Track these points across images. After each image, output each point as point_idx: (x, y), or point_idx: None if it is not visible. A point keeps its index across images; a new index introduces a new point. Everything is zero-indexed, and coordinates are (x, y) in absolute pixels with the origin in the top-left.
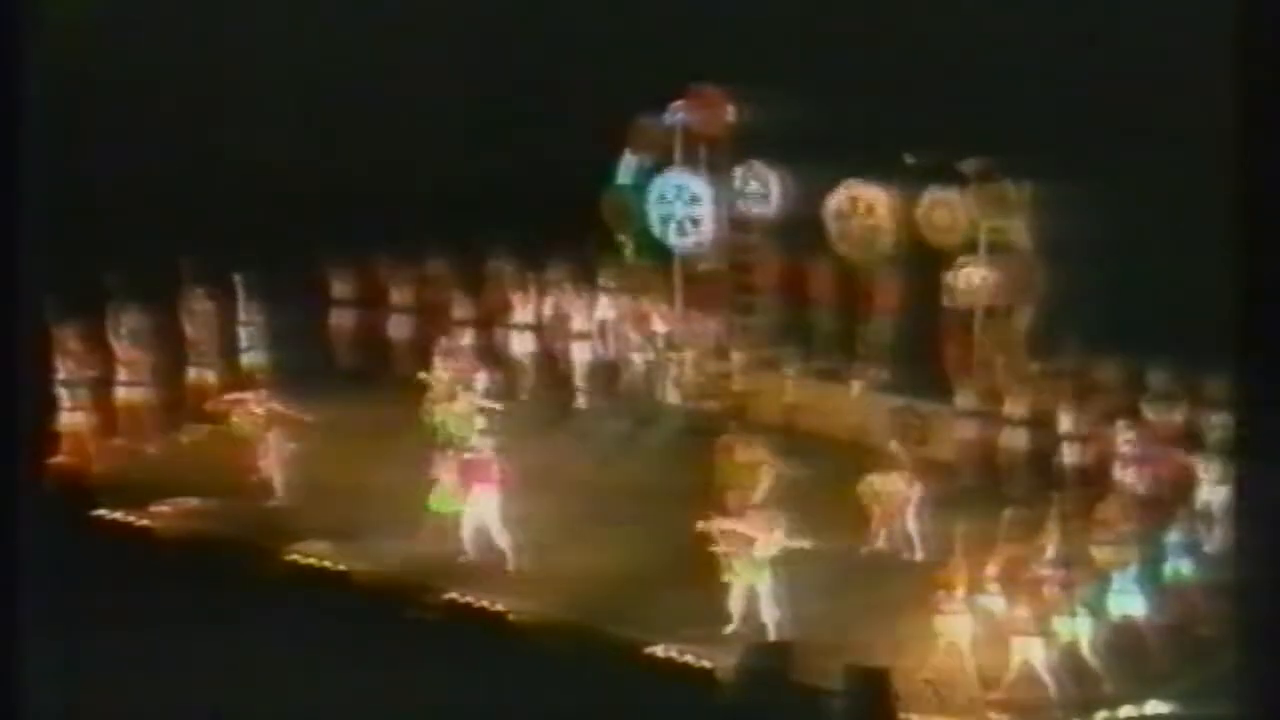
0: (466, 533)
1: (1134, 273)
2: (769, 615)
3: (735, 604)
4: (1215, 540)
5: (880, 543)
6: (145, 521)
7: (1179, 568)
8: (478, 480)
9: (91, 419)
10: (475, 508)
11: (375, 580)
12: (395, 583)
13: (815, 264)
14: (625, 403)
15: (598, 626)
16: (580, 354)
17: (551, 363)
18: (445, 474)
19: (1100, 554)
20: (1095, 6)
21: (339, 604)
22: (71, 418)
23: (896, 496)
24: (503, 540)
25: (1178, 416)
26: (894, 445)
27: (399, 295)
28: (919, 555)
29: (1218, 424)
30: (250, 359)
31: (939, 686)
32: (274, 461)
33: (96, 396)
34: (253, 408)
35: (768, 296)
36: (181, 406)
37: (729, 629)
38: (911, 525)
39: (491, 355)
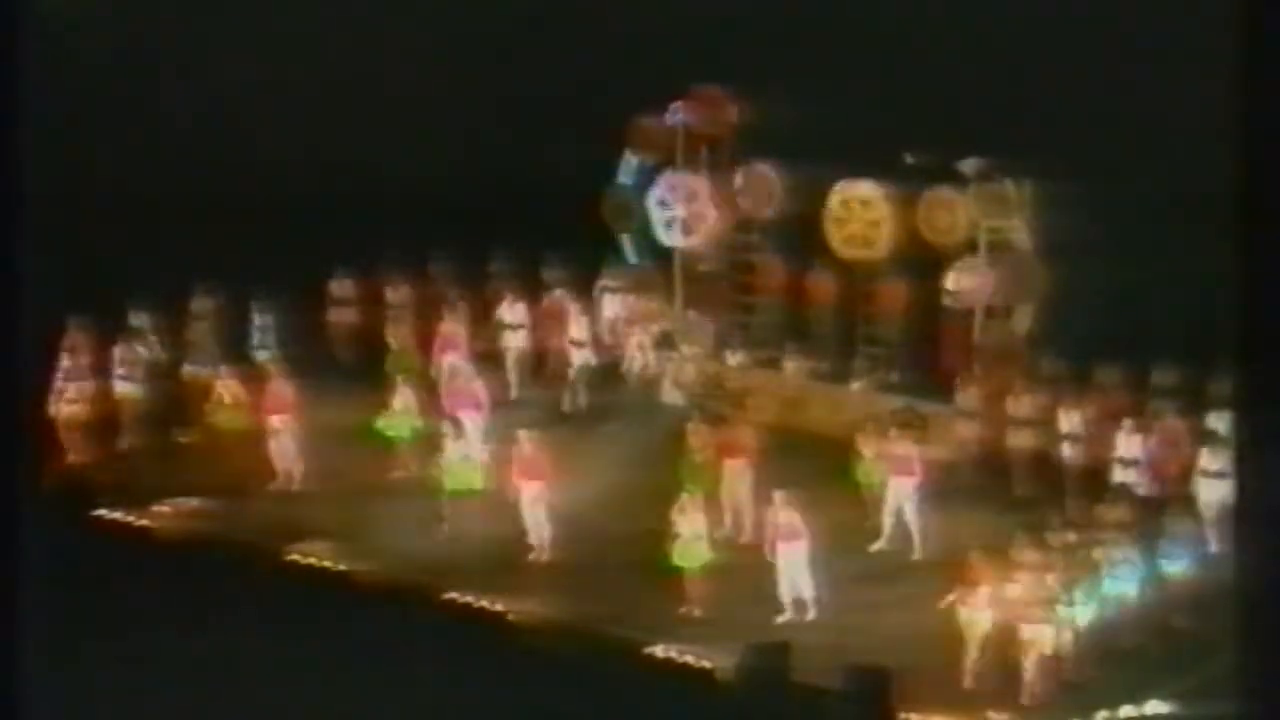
0: (528, 520)
1: (1134, 273)
2: (807, 593)
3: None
4: (1216, 539)
5: (883, 543)
6: (145, 521)
7: (1179, 566)
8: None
9: (93, 419)
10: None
11: (375, 580)
12: (395, 583)
13: (815, 264)
14: (625, 402)
15: (598, 626)
16: (580, 354)
17: (552, 362)
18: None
19: (1101, 553)
20: (1095, 7)
21: (339, 604)
22: (72, 418)
23: (892, 464)
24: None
25: (1178, 415)
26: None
27: (401, 296)
28: (918, 555)
29: (1218, 423)
30: (252, 358)
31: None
32: (274, 461)
33: (97, 396)
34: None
35: (768, 296)
36: (181, 406)
37: (780, 619)
38: (912, 524)
39: (492, 355)
